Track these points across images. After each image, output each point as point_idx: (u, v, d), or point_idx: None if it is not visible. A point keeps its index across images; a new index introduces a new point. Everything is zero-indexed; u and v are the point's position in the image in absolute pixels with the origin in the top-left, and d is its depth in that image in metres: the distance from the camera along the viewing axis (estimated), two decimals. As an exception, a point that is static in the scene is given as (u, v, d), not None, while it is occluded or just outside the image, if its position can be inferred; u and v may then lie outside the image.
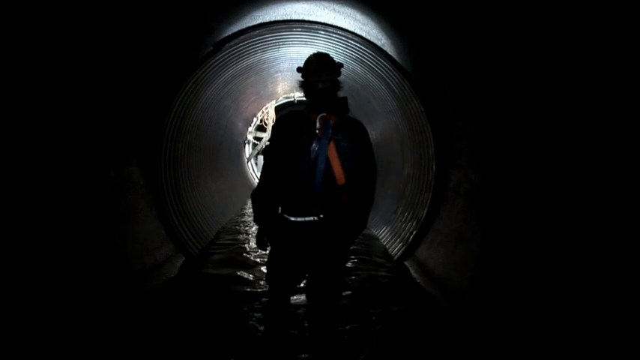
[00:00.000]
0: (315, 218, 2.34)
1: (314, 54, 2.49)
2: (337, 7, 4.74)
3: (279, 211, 2.46)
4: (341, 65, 2.46)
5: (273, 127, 2.44)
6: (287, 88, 10.33)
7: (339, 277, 2.60)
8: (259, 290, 4.01)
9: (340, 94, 2.51)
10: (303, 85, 2.46)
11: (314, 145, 2.30)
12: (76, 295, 2.95)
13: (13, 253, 2.55)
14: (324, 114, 2.35)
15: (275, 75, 8.25)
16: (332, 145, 2.32)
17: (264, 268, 4.72)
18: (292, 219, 2.37)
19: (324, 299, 2.58)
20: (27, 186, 2.75)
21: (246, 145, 13.67)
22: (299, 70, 2.48)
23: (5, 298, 2.42)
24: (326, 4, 4.73)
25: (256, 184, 3.07)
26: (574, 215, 2.50)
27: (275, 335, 2.67)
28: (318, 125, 2.33)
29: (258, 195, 2.46)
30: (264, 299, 3.73)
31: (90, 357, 2.68)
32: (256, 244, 2.60)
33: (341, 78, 2.50)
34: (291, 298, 2.70)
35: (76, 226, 3.25)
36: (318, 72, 2.39)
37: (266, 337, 2.75)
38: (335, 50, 5.94)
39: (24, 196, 2.72)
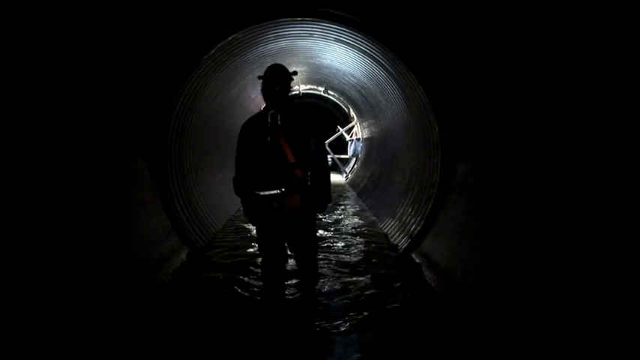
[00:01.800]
0: (278, 191, 2.92)
1: (272, 65, 3.13)
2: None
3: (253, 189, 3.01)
4: (294, 73, 3.13)
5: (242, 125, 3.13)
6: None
7: (310, 241, 3.27)
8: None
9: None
10: (263, 90, 3.07)
11: (268, 134, 2.97)
12: (82, 290, 2.98)
13: (20, 248, 2.58)
14: (273, 111, 3.01)
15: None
16: (281, 133, 2.96)
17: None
18: (260, 194, 2.96)
19: (302, 261, 3.29)
20: (35, 181, 2.78)
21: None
22: (260, 77, 3.10)
23: (13, 293, 2.45)
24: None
25: None
26: (573, 211, 2.49)
27: (269, 302, 3.31)
28: (269, 120, 2.99)
29: (235, 179, 3.11)
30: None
31: (94, 353, 2.70)
32: (245, 215, 3.21)
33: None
34: (285, 265, 3.34)
35: (82, 220, 3.27)
36: (275, 79, 3.04)
37: (261, 304, 3.45)
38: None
39: (33, 190, 2.75)
